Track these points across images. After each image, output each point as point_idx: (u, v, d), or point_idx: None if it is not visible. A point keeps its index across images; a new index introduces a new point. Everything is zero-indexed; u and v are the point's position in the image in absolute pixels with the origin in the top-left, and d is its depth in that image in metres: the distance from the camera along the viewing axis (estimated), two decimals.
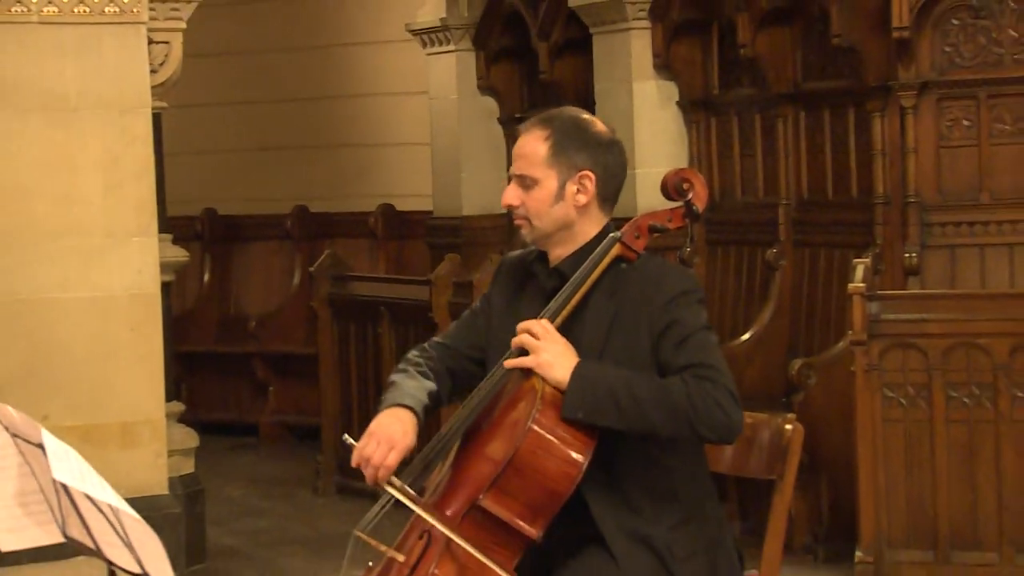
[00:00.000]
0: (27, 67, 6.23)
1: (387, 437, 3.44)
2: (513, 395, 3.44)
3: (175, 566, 2.64)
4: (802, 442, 3.67)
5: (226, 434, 9.94)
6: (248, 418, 10.35)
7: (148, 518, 2.69)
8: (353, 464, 3.47)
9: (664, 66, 8.07)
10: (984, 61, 6.94)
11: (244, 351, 10.37)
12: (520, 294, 3.61)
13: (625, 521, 3.42)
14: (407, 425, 3.48)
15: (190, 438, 6.84)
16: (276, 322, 10.48)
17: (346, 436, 3.58)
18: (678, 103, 8.12)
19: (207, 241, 10.98)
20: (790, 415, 3.73)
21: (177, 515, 6.42)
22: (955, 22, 6.97)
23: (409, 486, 3.44)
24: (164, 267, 6.52)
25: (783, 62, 7.54)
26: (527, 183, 3.50)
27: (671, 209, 3.57)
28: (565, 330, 3.44)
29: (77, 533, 2.84)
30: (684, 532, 3.45)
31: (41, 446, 2.74)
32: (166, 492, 6.42)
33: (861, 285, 6.17)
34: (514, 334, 3.45)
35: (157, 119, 6.56)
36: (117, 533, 2.68)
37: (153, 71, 6.49)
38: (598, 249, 3.49)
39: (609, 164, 3.53)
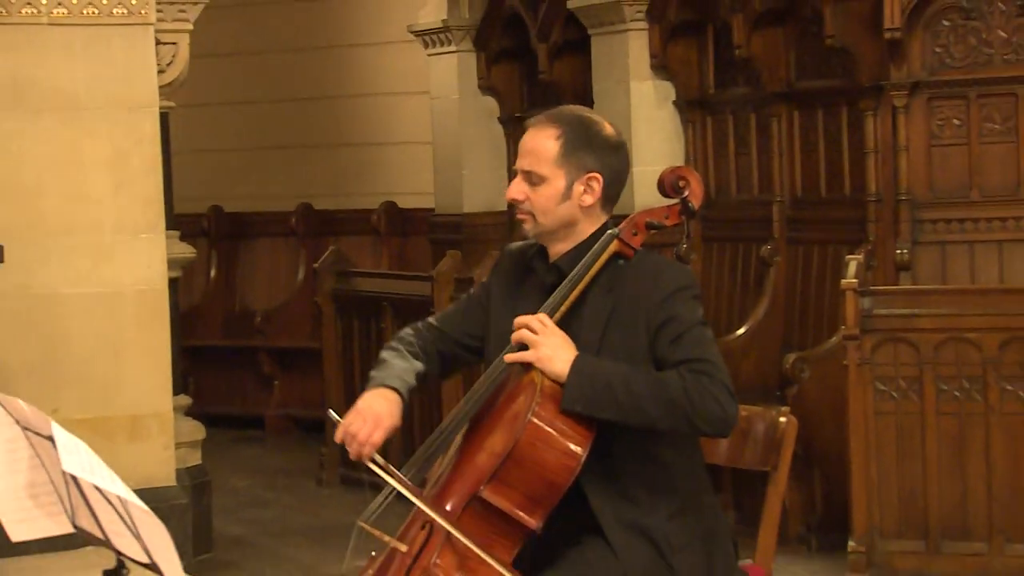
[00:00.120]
0: (37, 67, 6.23)
1: (373, 415, 3.44)
2: (513, 389, 3.43)
3: (182, 555, 2.65)
4: (796, 434, 3.70)
5: (232, 427, 9.93)
6: (254, 411, 10.35)
7: (156, 509, 2.67)
8: (337, 439, 3.47)
9: (661, 66, 8.09)
10: (974, 61, 6.95)
11: (250, 345, 10.37)
12: (519, 288, 3.59)
13: (623, 512, 3.42)
14: (393, 406, 3.47)
15: (197, 430, 6.85)
16: (281, 317, 10.49)
17: (331, 412, 3.57)
18: (675, 102, 8.13)
19: (213, 238, 10.98)
20: (784, 408, 3.75)
21: (184, 506, 6.44)
22: (946, 23, 6.97)
23: (411, 479, 3.43)
24: (172, 263, 6.53)
25: (777, 62, 7.55)
26: (534, 180, 3.48)
27: (668, 206, 3.56)
28: (563, 325, 3.42)
29: (86, 524, 2.83)
30: (681, 523, 3.45)
31: (51, 439, 2.72)
32: (174, 483, 6.43)
33: (854, 281, 6.20)
34: (512, 327, 3.44)
35: (164, 118, 6.57)
36: (125, 523, 2.68)
37: (161, 71, 6.50)
38: (596, 246, 3.47)
39: (616, 167, 3.51)
